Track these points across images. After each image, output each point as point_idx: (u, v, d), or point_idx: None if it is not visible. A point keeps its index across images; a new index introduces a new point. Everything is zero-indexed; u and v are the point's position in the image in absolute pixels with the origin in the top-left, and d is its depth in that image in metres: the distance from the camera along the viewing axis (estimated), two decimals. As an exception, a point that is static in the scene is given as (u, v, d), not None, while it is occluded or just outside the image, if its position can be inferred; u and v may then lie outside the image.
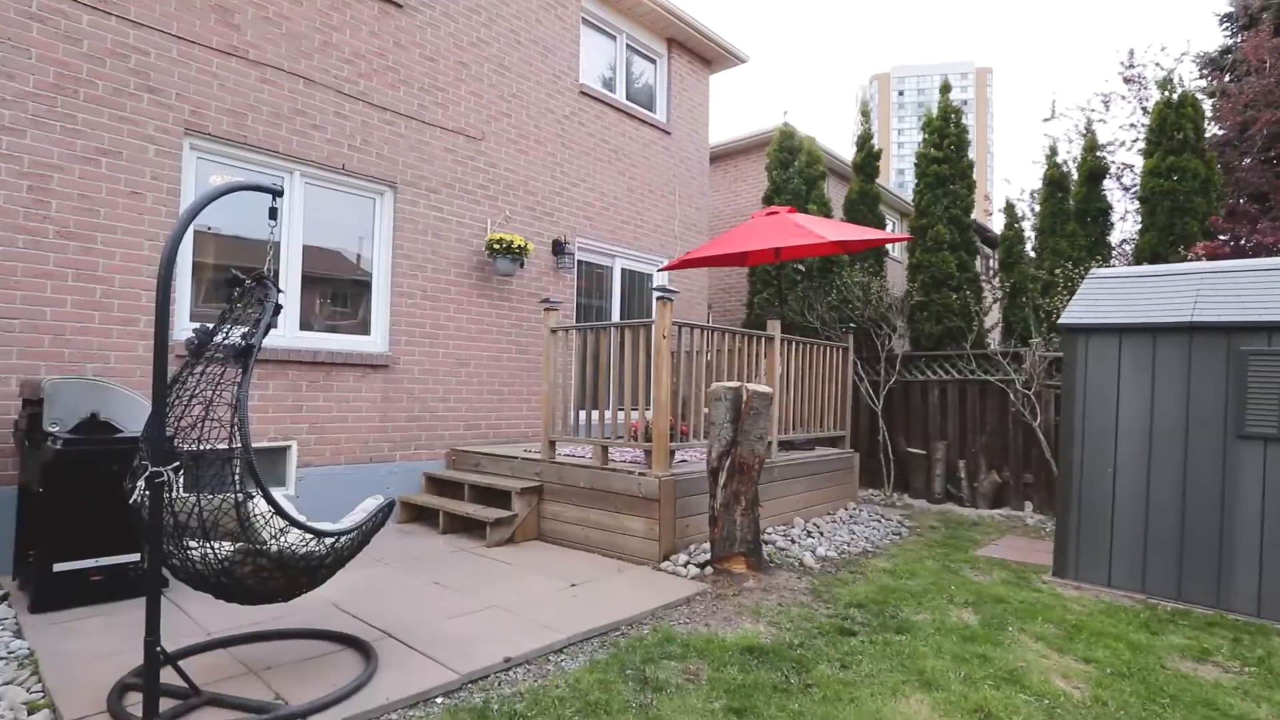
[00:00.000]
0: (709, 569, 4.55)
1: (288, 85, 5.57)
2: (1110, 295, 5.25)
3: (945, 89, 9.27)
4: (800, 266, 10.15)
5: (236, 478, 2.43)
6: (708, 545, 4.93)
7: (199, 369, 2.61)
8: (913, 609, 4.16)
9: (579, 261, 8.02)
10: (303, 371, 5.57)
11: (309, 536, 2.61)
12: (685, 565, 4.66)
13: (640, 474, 4.94)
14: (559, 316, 5.82)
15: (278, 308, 2.76)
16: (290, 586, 2.72)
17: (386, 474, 6.08)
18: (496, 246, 6.65)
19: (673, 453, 5.09)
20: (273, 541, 2.53)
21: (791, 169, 10.43)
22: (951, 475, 8.39)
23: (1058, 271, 7.54)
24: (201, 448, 2.43)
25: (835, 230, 6.20)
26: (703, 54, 9.71)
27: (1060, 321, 5.16)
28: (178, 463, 2.39)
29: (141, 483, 2.37)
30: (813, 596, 4.30)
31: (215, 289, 5.34)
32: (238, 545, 2.50)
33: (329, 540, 2.70)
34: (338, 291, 6.13)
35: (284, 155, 5.55)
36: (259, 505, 2.49)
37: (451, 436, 6.59)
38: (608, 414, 5.36)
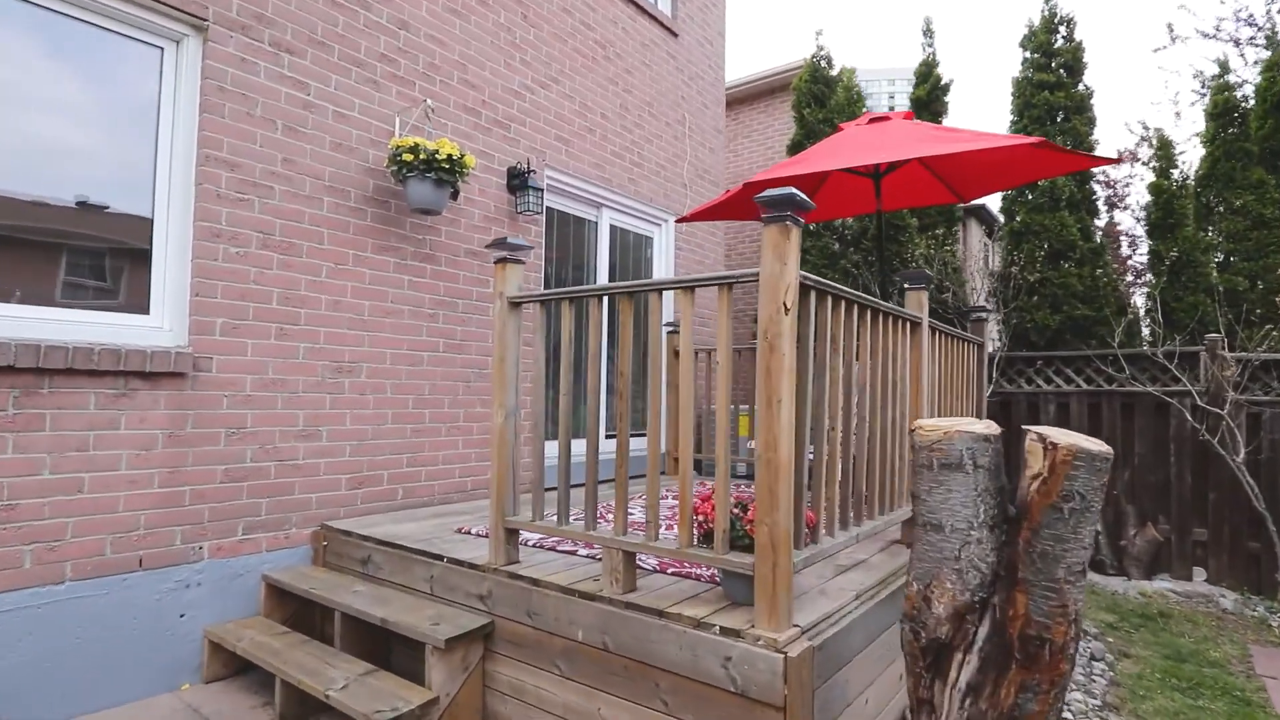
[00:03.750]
0: None
1: None
2: None
3: (1050, -8, 6.74)
4: (832, 240, 7.51)
5: None
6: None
7: None
8: None
9: (548, 208, 5.15)
10: (-39, 387, 2.55)
11: None
12: None
13: (722, 631, 2.12)
14: (521, 275, 2.95)
15: None
16: None
17: (176, 589, 3.07)
18: (408, 159, 3.71)
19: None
20: None
21: (829, 105, 7.77)
22: (1081, 527, 5.86)
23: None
24: None
25: (1023, 139, 3.54)
26: (719, -67, 6.95)
27: None
28: None
29: None
30: None
31: None
32: None
33: None
34: (70, 224, 3.08)
35: (-84, -91, 2.51)
36: None
37: (323, 502, 3.62)
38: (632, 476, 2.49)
